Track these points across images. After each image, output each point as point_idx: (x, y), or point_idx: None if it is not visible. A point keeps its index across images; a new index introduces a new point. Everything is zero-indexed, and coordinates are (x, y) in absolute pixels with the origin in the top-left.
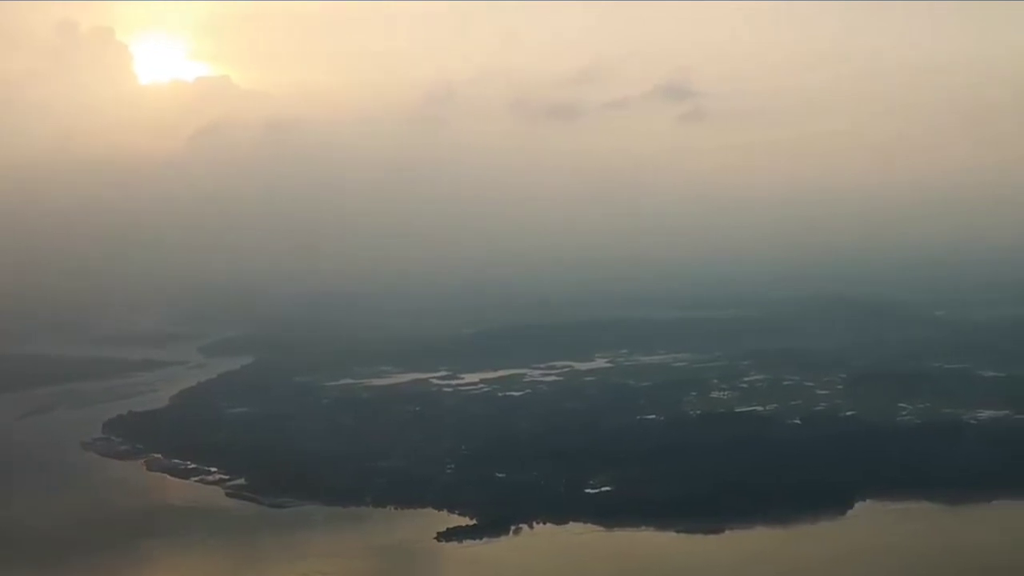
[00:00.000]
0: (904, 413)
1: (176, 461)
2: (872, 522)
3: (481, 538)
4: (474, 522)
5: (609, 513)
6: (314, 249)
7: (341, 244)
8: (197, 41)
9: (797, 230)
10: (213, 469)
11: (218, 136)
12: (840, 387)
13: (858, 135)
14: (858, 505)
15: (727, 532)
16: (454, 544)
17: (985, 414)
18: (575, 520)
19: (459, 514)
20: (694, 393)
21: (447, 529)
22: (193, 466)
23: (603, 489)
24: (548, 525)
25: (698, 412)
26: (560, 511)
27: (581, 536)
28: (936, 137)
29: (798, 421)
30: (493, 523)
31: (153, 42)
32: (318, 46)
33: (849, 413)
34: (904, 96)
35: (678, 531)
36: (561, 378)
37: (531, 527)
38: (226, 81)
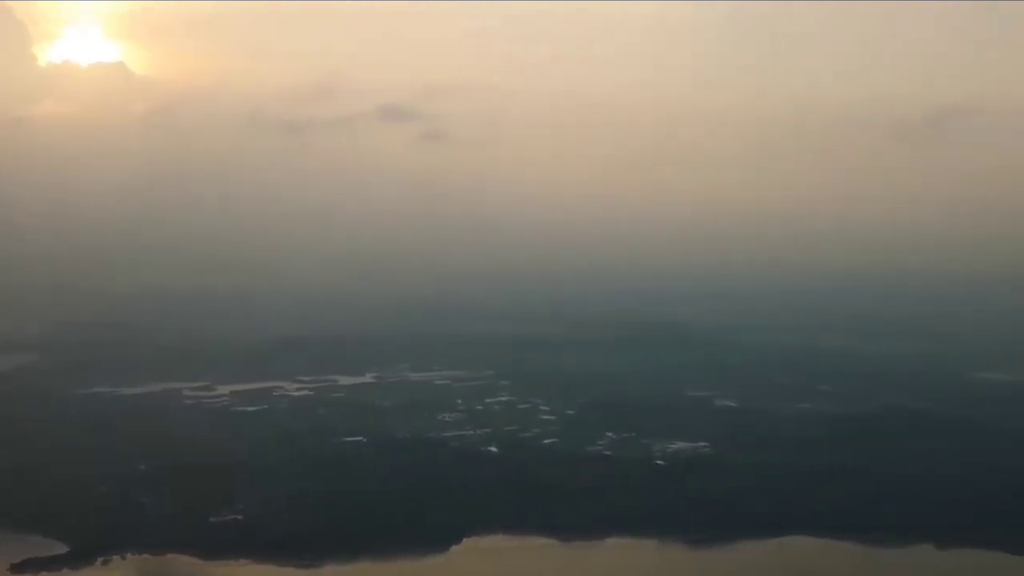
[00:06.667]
0: (601, 443)
1: None
2: (467, 560)
3: (60, 569)
4: (66, 551)
5: (216, 544)
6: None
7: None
8: (107, 26)
9: (585, 251)
10: None
11: None
12: (570, 412)
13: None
14: (467, 540)
15: (326, 568)
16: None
17: (677, 446)
18: (178, 551)
19: (61, 541)
20: (426, 414)
21: (28, 559)
22: None
23: (232, 518)
24: (144, 556)
25: (406, 436)
26: (168, 541)
27: (165, 568)
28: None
29: (494, 448)
30: (83, 553)
31: (57, 24)
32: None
33: (549, 441)
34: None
35: (278, 565)
36: (311, 393)
37: (123, 558)
38: (120, 68)
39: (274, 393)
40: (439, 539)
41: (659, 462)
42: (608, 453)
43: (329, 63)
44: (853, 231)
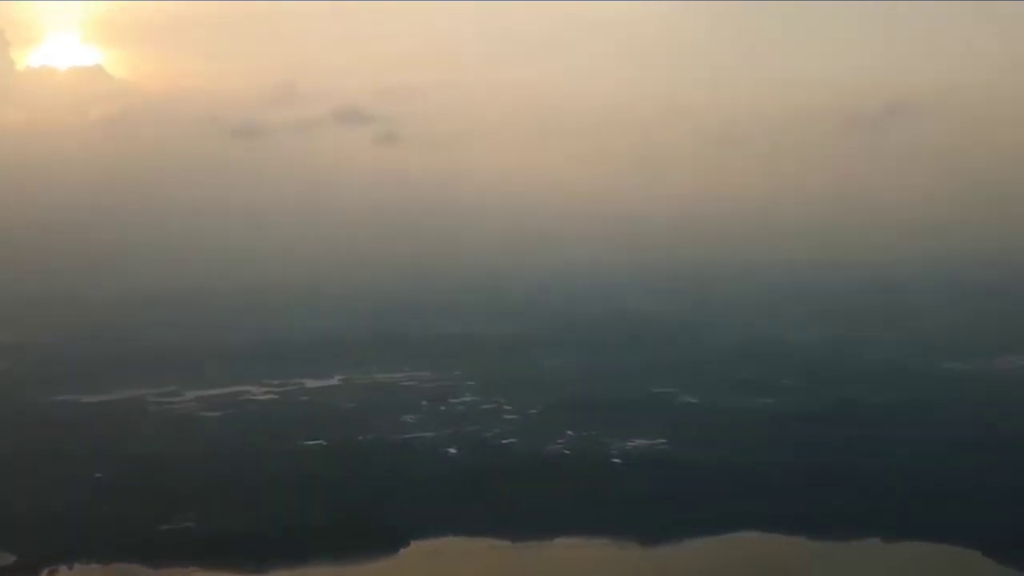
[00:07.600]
0: (560, 442)
1: None
2: (416, 562)
3: None
4: (12, 560)
5: (165, 552)
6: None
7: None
8: (85, 30)
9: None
10: None
11: None
12: (533, 412)
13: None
14: (416, 543)
15: (273, 572)
16: None
17: (635, 444)
18: (126, 560)
19: (8, 551)
20: (389, 416)
21: None
22: None
23: (183, 525)
24: (92, 565)
25: (367, 438)
26: (117, 550)
27: None
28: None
29: (453, 450)
30: (30, 563)
31: (35, 28)
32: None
33: (508, 441)
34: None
35: (228, 570)
36: (277, 397)
37: (70, 567)
38: (99, 71)
39: (240, 398)
40: (388, 542)
41: (615, 460)
42: (566, 452)
43: (288, 65)
44: (816, 224)
